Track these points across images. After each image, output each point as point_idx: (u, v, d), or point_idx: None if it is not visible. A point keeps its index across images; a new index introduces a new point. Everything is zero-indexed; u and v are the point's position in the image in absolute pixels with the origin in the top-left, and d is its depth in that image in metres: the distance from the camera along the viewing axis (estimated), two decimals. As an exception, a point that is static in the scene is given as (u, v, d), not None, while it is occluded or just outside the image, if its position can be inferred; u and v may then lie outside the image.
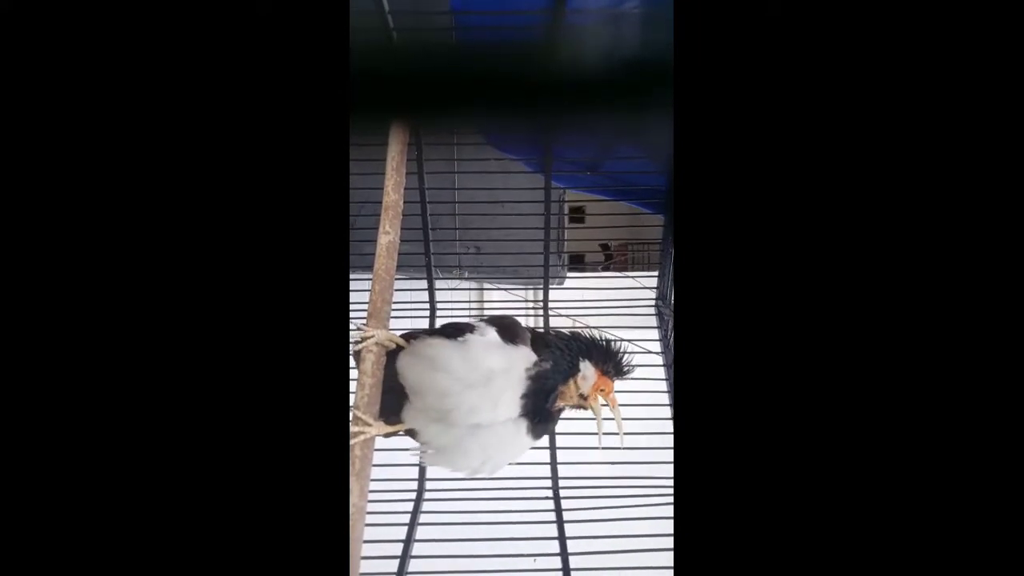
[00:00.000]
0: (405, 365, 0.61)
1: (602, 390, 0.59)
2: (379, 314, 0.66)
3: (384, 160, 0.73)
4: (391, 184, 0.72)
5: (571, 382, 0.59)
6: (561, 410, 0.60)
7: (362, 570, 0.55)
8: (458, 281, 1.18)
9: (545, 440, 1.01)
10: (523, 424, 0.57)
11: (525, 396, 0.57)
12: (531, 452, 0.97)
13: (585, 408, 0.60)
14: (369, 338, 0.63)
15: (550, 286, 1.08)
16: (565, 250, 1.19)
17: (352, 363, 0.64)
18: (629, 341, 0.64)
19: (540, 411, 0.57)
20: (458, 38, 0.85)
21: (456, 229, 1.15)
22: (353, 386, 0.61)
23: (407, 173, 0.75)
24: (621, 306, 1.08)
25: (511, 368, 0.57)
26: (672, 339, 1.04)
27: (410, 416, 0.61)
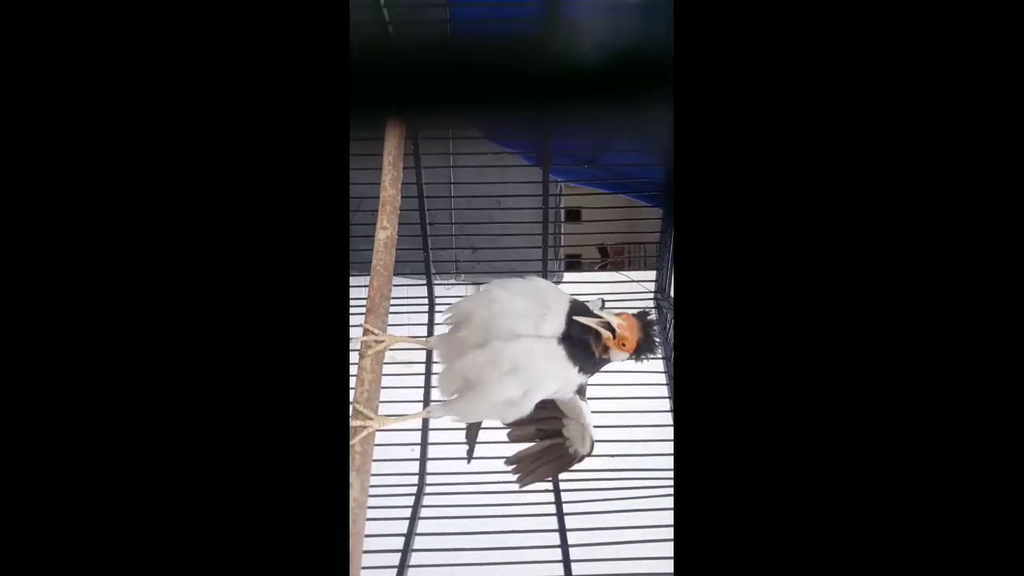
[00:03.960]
0: (461, 303, 0.62)
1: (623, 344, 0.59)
2: (377, 310, 0.66)
3: (380, 155, 0.73)
4: (388, 179, 0.72)
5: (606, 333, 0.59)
6: (603, 358, 0.60)
7: (364, 564, 0.56)
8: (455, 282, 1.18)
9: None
10: (562, 350, 0.56)
11: (570, 317, 0.57)
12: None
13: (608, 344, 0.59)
14: (380, 344, 0.62)
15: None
16: (562, 250, 1.18)
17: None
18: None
19: (583, 341, 0.57)
20: (454, 31, 0.85)
21: (452, 224, 1.15)
22: (352, 381, 0.61)
23: (404, 168, 0.75)
24: (619, 301, 1.08)
25: (559, 294, 0.60)
26: (671, 332, 1.04)
27: (446, 349, 0.61)
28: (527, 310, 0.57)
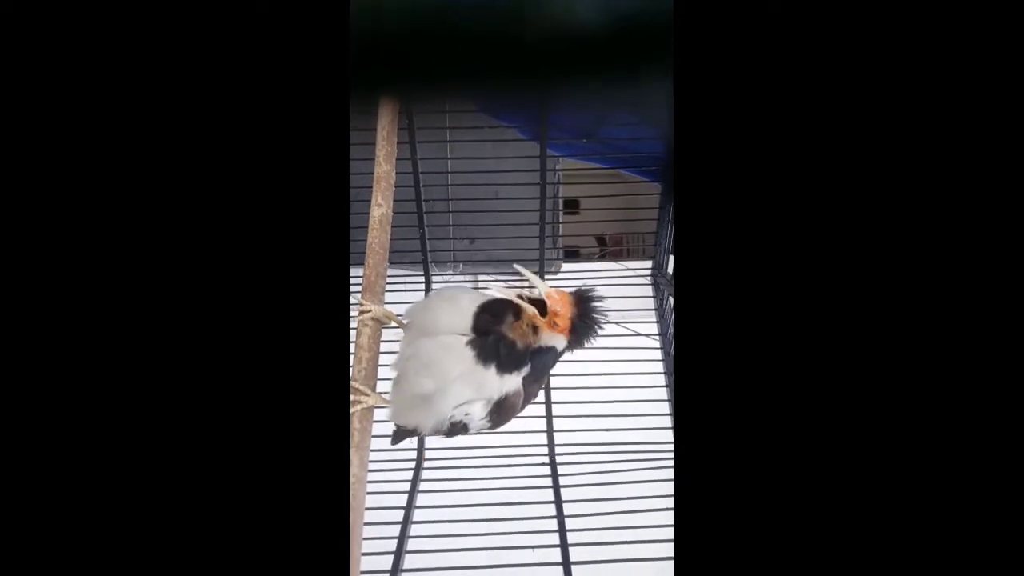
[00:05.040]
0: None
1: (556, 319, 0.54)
2: (373, 288, 0.65)
3: (374, 130, 0.71)
4: (382, 155, 0.70)
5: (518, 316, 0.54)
6: (529, 348, 0.54)
7: (365, 535, 0.57)
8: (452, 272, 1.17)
9: (542, 409, 1.02)
10: (469, 349, 0.53)
11: (479, 310, 0.55)
12: (528, 420, 1.00)
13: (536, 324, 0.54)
14: (367, 312, 0.63)
15: (546, 276, 1.07)
16: (560, 240, 1.17)
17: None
18: (627, 329, 0.60)
19: (494, 334, 0.53)
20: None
21: (450, 212, 1.13)
22: (351, 360, 0.62)
23: (398, 143, 0.73)
24: (617, 287, 1.08)
25: (480, 294, 0.57)
26: (668, 309, 1.04)
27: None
28: (446, 308, 0.56)
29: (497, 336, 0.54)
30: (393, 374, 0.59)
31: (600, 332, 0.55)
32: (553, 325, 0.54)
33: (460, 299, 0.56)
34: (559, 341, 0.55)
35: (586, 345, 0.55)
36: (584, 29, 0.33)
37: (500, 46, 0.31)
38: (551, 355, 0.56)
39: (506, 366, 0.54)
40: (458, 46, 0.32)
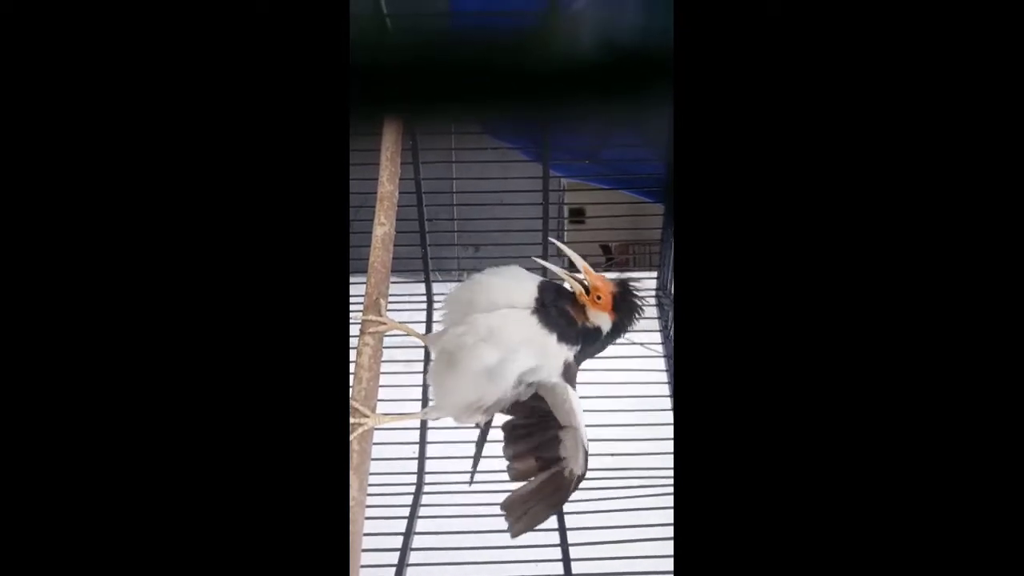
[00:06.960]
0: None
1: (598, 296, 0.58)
2: (375, 307, 0.65)
3: (378, 151, 0.72)
4: (386, 175, 0.71)
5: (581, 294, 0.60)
6: (586, 325, 0.59)
7: (363, 563, 0.55)
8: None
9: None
10: (535, 318, 0.56)
11: (541, 285, 0.59)
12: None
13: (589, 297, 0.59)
14: (380, 327, 0.63)
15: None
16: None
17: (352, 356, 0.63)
18: (634, 344, 0.64)
19: (557, 306, 0.57)
20: (454, 24, 0.84)
21: (455, 222, 1.14)
22: (351, 380, 0.61)
23: (402, 163, 0.74)
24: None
25: (533, 274, 0.61)
26: (672, 329, 1.03)
27: (437, 342, 0.62)
28: (503, 284, 0.59)
29: (560, 309, 0.58)
30: (443, 359, 0.59)
31: (642, 312, 0.59)
32: (596, 301, 0.58)
33: (515, 276, 0.60)
34: (604, 320, 0.59)
35: (629, 327, 0.59)
36: (586, 55, 0.33)
37: (503, 72, 0.32)
38: (597, 336, 0.59)
39: (565, 338, 0.57)
40: (461, 72, 0.33)
